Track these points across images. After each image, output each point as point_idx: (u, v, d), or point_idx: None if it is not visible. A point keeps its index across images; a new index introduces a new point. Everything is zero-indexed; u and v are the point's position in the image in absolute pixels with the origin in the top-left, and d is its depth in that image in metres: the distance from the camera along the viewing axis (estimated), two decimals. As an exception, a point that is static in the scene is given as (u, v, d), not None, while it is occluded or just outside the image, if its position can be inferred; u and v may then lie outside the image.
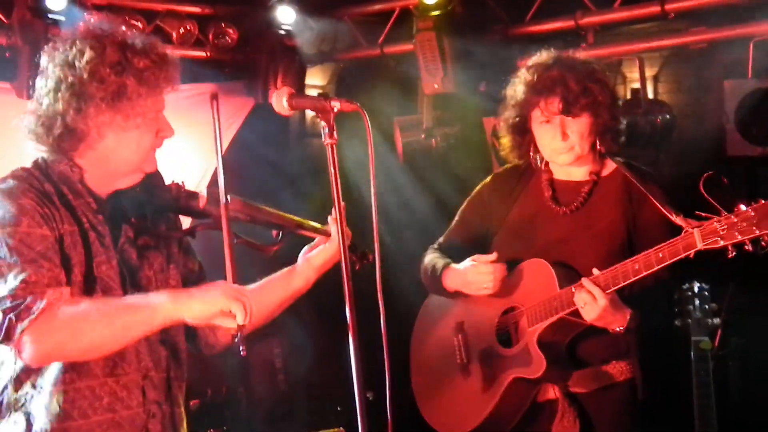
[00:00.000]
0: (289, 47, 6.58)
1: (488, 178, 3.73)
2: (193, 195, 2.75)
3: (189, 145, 5.69)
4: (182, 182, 2.76)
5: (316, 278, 2.98)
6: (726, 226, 2.93)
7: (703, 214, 3.00)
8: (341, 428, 3.30)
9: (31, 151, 2.64)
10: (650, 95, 5.87)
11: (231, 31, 6.38)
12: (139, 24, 5.84)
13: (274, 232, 2.90)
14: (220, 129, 2.55)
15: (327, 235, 2.95)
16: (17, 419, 2.53)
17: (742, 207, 2.92)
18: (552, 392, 3.44)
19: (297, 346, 6.43)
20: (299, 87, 6.80)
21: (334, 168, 2.45)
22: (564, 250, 3.41)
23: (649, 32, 5.77)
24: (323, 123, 2.49)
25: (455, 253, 3.68)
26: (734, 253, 2.94)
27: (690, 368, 3.77)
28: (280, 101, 2.62)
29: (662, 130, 5.60)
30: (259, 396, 6.27)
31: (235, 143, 6.61)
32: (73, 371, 2.52)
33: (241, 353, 2.46)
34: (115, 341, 2.46)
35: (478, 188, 3.75)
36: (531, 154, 3.56)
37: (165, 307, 2.43)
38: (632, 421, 3.47)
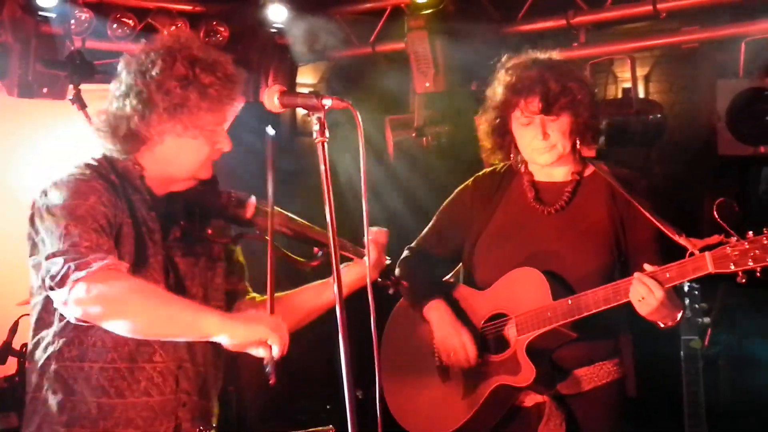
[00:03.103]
0: (280, 45, 6.57)
1: (468, 182, 3.70)
2: (242, 204, 2.87)
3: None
4: (233, 191, 2.89)
5: (346, 294, 2.99)
6: (738, 252, 2.93)
7: (720, 236, 2.99)
8: (331, 427, 3.30)
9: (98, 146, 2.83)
10: (641, 95, 5.89)
11: (222, 29, 6.36)
12: (130, 22, 5.82)
13: (316, 249, 2.96)
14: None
15: (361, 256, 3.03)
16: (56, 388, 2.72)
17: (751, 234, 2.93)
18: (540, 395, 3.43)
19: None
20: (290, 85, 6.80)
21: (325, 166, 2.44)
22: (551, 251, 3.40)
23: (641, 31, 5.78)
24: (314, 121, 2.48)
25: (430, 256, 3.69)
26: (744, 279, 2.95)
27: (680, 367, 3.78)
28: (271, 99, 2.61)
29: (653, 130, 5.61)
30: (249, 394, 6.27)
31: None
32: (114, 352, 2.70)
33: (270, 381, 2.56)
34: (152, 328, 2.57)
35: (458, 191, 3.71)
36: (512, 155, 3.56)
37: (211, 321, 2.52)
38: (620, 421, 3.47)
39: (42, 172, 5.89)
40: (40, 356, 2.76)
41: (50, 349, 2.73)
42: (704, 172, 5.57)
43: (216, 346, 2.81)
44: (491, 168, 3.67)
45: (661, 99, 6.16)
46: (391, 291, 3.15)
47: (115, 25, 5.80)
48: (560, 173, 3.49)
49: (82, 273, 2.47)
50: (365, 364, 2.50)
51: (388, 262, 3.10)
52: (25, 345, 4.62)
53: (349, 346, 2.37)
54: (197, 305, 2.67)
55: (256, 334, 2.51)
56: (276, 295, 2.83)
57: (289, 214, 2.91)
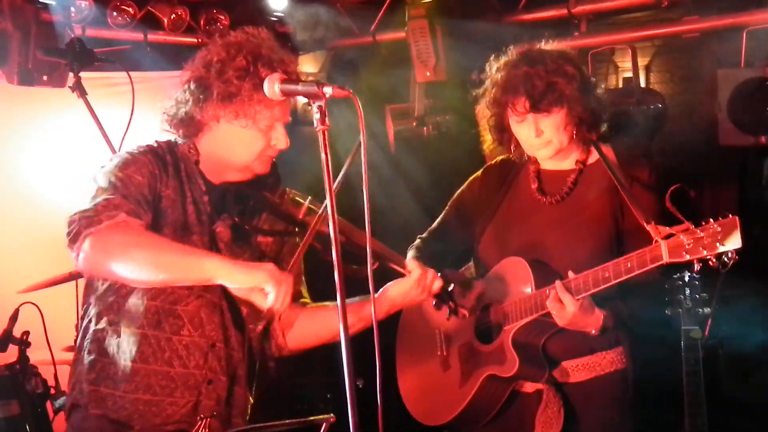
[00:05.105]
0: (280, 34, 6.55)
1: (479, 172, 3.72)
2: (297, 203, 2.94)
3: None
4: (290, 190, 2.98)
5: (390, 311, 3.14)
6: (692, 241, 2.92)
7: (688, 224, 2.97)
8: (332, 416, 3.28)
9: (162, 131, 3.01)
10: (642, 85, 5.87)
11: (223, 17, 6.34)
12: (130, 9, 5.80)
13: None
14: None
15: (408, 271, 3.10)
16: (92, 349, 2.90)
17: (711, 221, 2.91)
18: (536, 383, 3.44)
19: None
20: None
21: (326, 155, 2.43)
22: (549, 242, 3.41)
23: (642, 21, 5.77)
24: (315, 109, 2.47)
25: (440, 247, 3.69)
26: (699, 266, 2.94)
27: (680, 357, 3.78)
28: (271, 87, 2.62)
29: (654, 120, 5.59)
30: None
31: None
32: (144, 318, 2.84)
33: (258, 329, 2.81)
34: (155, 273, 2.67)
35: (469, 181, 3.73)
36: (514, 148, 3.55)
37: (212, 264, 2.64)
38: (622, 412, 3.47)
39: (41, 160, 5.91)
40: (86, 320, 2.94)
41: (92, 312, 2.92)
42: (705, 163, 5.56)
43: (245, 331, 2.99)
44: (503, 157, 3.67)
45: (662, 89, 6.15)
46: (448, 317, 3.21)
47: (114, 13, 5.79)
48: (566, 162, 3.49)
49: (92, 229, 2.65)
50: (366, 353, 2.50)
51: (450, 288, 3.15)
52: (25, 333, 4.63)
53: (349, 334, 2.37)
54: (200, 250, 2.80)
55: (255, 280, 2.61)
56: (323, 303, 3.04)
57: (344, 220, 2.90)
